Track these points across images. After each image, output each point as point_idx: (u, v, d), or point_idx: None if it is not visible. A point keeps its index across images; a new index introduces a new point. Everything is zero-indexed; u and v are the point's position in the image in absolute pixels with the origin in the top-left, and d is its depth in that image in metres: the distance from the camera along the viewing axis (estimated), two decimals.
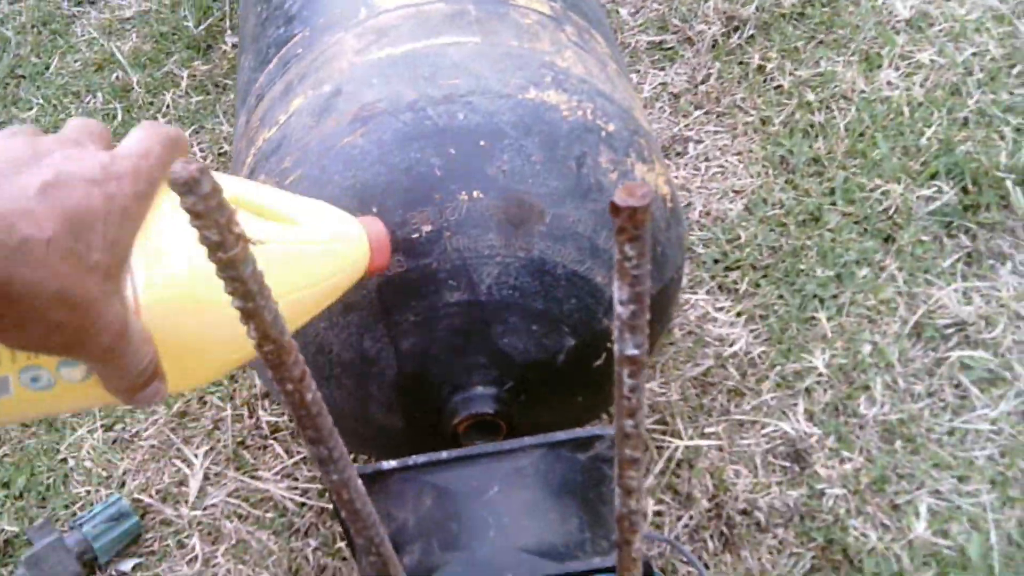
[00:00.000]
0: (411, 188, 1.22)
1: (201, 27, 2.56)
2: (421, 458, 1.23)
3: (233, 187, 0.90)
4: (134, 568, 1.55)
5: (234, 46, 2.52)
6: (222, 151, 2.23)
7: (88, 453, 1.69)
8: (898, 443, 1.59)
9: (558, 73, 1.36)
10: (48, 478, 1.67)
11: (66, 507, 1.64)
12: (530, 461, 1.23)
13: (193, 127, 2.30)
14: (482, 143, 1.25)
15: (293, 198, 0.98)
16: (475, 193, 1.23)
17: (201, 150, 2.24)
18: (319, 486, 1.61)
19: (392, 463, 1.23)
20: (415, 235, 1.22)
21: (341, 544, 1.54)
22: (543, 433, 1.26)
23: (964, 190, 1.91)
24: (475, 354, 1.28)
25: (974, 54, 2.17)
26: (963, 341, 1.72)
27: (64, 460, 1.69)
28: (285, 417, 1.70)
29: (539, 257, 1.24)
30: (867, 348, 1.71)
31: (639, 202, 0.64)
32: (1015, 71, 2.13)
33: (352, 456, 1.59)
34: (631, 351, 0.83)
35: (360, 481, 0.91)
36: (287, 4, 1.57)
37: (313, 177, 1.26)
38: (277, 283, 0.82)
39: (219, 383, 1.76)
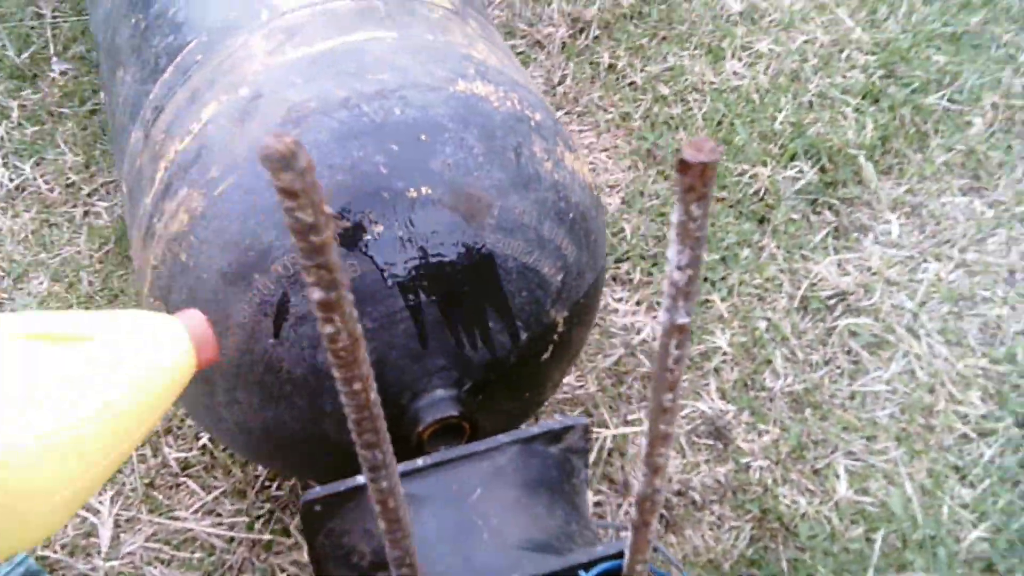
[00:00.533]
0: (357, 188, 1.18)
1: (24, 55, 2.39)
2: (399, 468, 1.19)
3: (16, 323, 0.88)
4: None
5: (63, 73, 2.37)
6: (69, 182, 2.09)
7: None
8: (807, 411, 1.67)
9: (478, 65, 1.35)
10: None
11: None
12: (507, 459, 1.21)
13: (33, 159, 2.14)
14: (423, 137, 1.23)
15: (92, 315, 0.96)
16: (424, 189, 1.20)
17: (46, 182, 2.09)
18: (246, 519, 1.53)
19: (363, 477, 1.19)
20: (367, 236, 1.18)
21: (284, 575, 1.46)
22: (495, 433, 1.25)
23: (822, 169, 2.03)
24: (435, 356, 1.25)
25: (806, 42, 2.31)
26: (847, 310, 1.82)
27: None
28: (194, 452, 1.61)
29: (491, 252, 1.23)
30: (763, 324, 1.78)
31: (709, 157, 0.65)
32: (844, 55, 2.28)
33: (299, 483, 1.51)
34: (682, 319, 0.83)
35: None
36: (171, 11, 1.49)
37: (247, 185, 1.20)
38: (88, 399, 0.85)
39: None
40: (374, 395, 0.75)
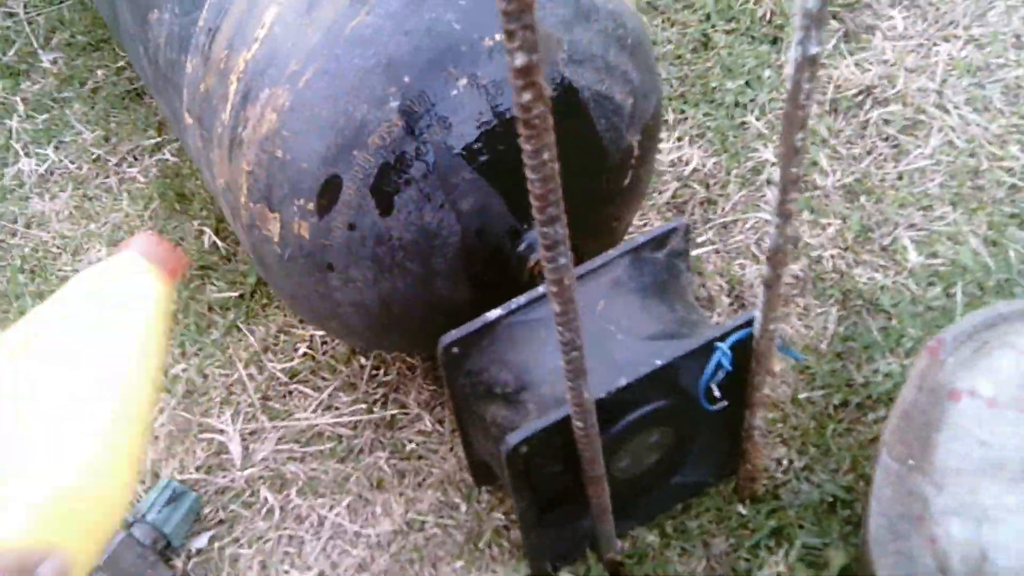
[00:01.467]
0: (436, 48, 1.23)
1: (10, 54, 2.42)
2: (522, 299, 1.25)
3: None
4: (210, 541, 1.48)
5: (53, 62, 2.39)
6: (95, 157, 2.12)
7: None
8: (862, 198, 1.73)
9: None
10: None
11: None
12: (621, 270, 1.27)
13: (52, 143, 2.17)
14: None
15: (49, 307, 0.89)
16: (497, 36, 1.25)
17: (72, 161, 2.12)
18: (363, 405, 1.59)
19: (496, 311, 1.25)
20: (453, 93, 1.23)
21: (413, 445, 1.53)
22: (590, 259, 1.31)
23: None
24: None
25: None
26: (875, 103, 1.88)
27: None
28: (296, 361, 1.67)
29: (571, 83, 1.28)
30: None
31: None
32: None
33: (415, 355, 1.53)
34: (814, 49, 0.89)
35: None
36: None
37: (331, 70, 1.23)
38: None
39: (211, 352, 1.70)
40: (558, 166, 0.80)
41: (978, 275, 1.59)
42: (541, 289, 1.26)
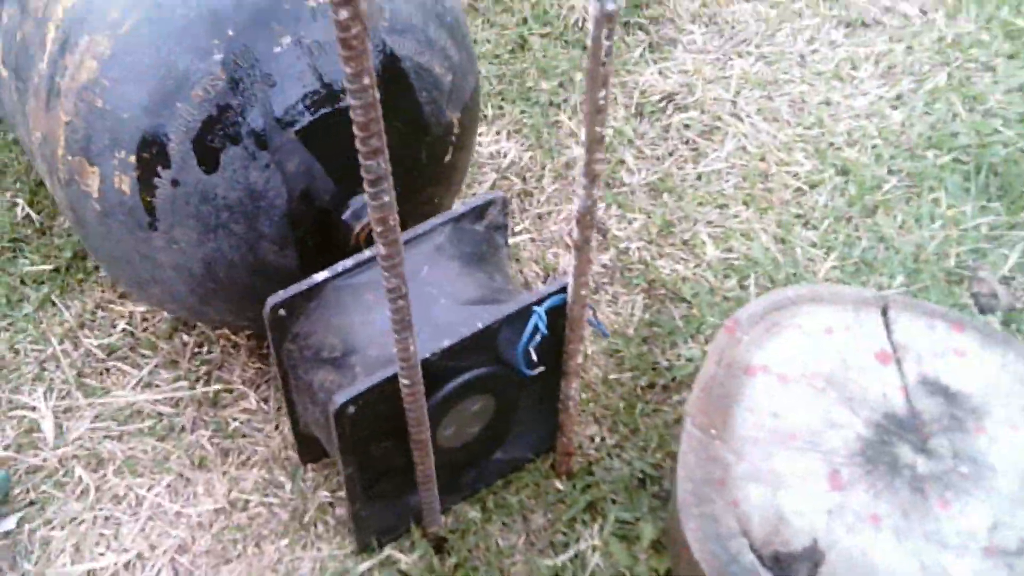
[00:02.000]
0: (260, 4, 1.24)
1: None
2: (348, 262, 1.29)
3: None
4: (19, 523, 1.44)
5: None
6: None
7: None
8: (665, 196, 1.86)
9: None
10: None
11: None
12: (443, 238, 1.34)
13: None
14: None
15: None
16: None
17: None
18: (185, 383, 1.58)
19: (323, 273, 1.29)
20: (276, 50, 1.25)
21: (237, 423, 1.53)
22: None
23: None
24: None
25: None
26: (676, 108, 2.02)
27: None
28: (115, 337, 1.64)
29: (392, 52, 1.33)
30: (609, 132, 1.96)
31: None
32: None
33: (235, 328, 1.52)
34: (610, 6, 0.96)
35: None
36: None
37: (153, 19, 1.24)
38: None
39: (23, 327, 1.64)
40: (378, 95, 0.84)
41: (768, 268, 1.74)
42: (368, 253, 1.30)
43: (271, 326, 1.28)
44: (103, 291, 1.70)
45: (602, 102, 1.02)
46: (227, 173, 1.27)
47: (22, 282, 1.71)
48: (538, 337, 1.24)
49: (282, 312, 1.28)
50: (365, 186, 0.90)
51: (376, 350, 1.26)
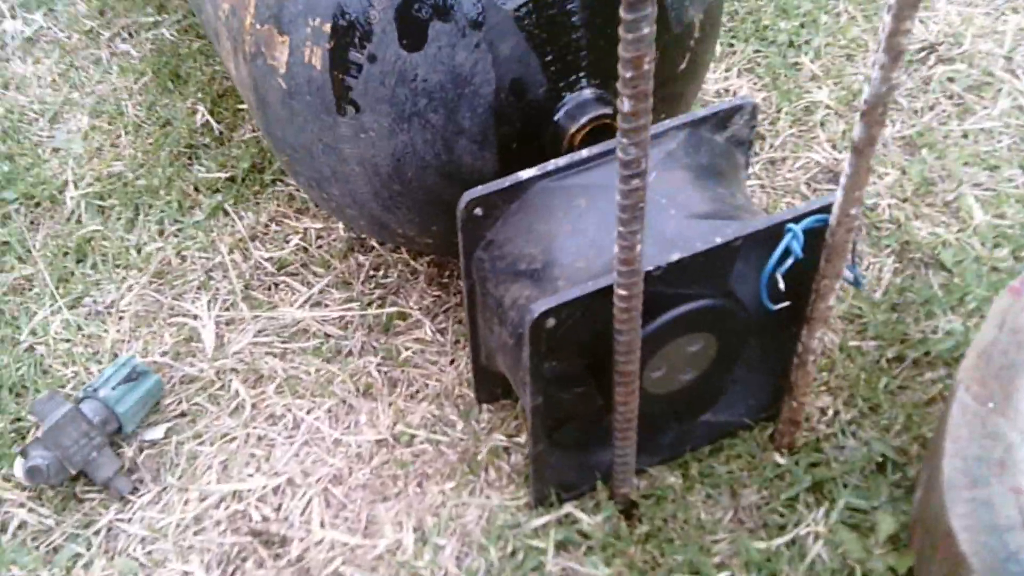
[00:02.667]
0: None
1: None
2: (561, 161, 1.09)
3: None
4: (167, 434, 1.30)
5: None
6: (87, 28, 1.94)
7: (59, 334, 1.41)
8: (924, 152, 1.58)
9: None
10: (17, 371, 1.37)
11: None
12: (677, 144, 1.11)
13: (42, 9, 1.99)
14: None
15: None
16: None
17: (61, 30, 1.94)
18: (359, 304, 1.41)
19: (530, 171, 1.08)
20: None
21: (409, 353, 1.35)
22: None
23: None
24: (581, 50, 1.13)
25: None
26: (939, 60, 1.73)
27: (31, 348, 1.40)
28: (287, 251, 1.49)
29: None
30: (858, 79, 1.69)
31: None
32: None
33: (416, 249, 1.35)
34: None
35: None
36: None
37: None
38: None
39: (192, 235, 1.52)
40: None
41: None
42: (584, 153, 1.09)
43: (463, 228, 1.09)
44: (279, 205, 1.55)
45: None
46: (431, 51, 1.09)
47: (196, 189, 1.58)
48: (790, 261, 1.00)
49: (478, 212, 1.08)
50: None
51: (584, 263, 1.05)
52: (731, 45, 1.77)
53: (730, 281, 1.08)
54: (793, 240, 0.99)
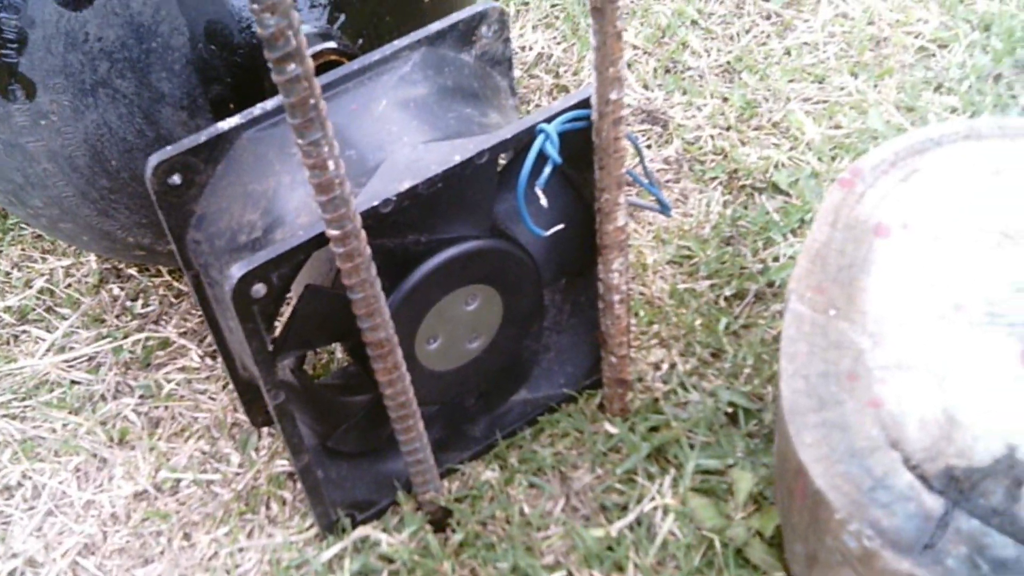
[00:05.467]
0: None
1: None
2: (269, 104, 0.88)
3: None
4: None
5: None
6: None
7: None
8: (744, 75, 1.42)
9: None
10: None
11: None
12: (411, 66, 0.91)
13: None
14: None
15: None
16: None
17: None
18: (109, 340, 1.18)
19: (231, 120, 0.87)
20: None
21: (173, 385, 1.13)
22: None
23: None
24: None
25: None
26: None
27: None
28: (28, 296, 1.26)
29: None
30: (665, 14, 1.53)
31: None
32: None
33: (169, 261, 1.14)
34: None
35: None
36: None
37: None
38: None
39: None
40: None
41: (892, 140, 1.27)
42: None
43: (161, 202, 0.87)
44: (23, 248, 1.32)
45: None
46: (100, 2, 0.89)
47: None
48: (548, 169, 0.81)
49: (175, 180, 0.87)
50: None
51: (309, 218, 0.84)
52: (525, 3, 1.60)
53: (497, 217, 0.89)
54: (547, 143, 0.80)
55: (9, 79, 0.93)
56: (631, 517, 0.93)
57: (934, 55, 1.40)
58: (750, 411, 1.01)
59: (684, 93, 1.40)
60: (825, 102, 1.35)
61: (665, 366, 1.06)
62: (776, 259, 1.16)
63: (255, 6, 0.57)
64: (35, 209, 1.05)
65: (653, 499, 0.95)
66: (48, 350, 1.19)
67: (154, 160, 0.84)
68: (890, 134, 1.27)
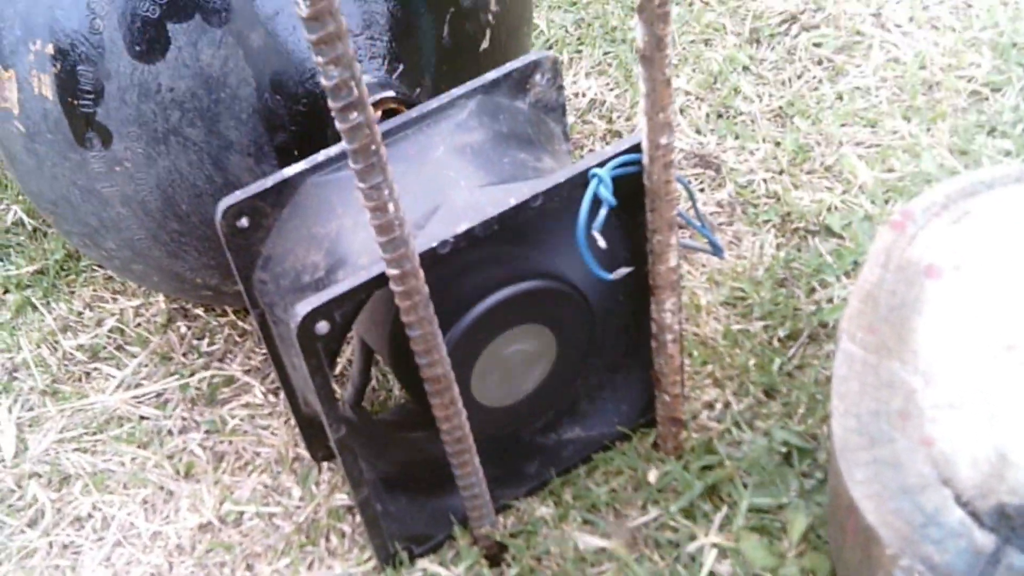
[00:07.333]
0: None
1: None
2: (332, 150, 0.92)
3: None
4: None
5: None
6: None
7: None
8: (796, 120, 1.44)
9: None
10: None
11: None
12: (467, 113, 0.95)
13: None
14: None
15: None
16: None
17: None
18: (176, 378, 1.23)
19: (296, 166, 0.91)
20: None
21: (237, 421, 1.16)
22: None
23: None
24: (363, 33, 0.98)
25: None
26: (803, 28, 1.60)
27: None
28: (99, 336, 1.30)
29: None
30: (717, 60, 1.55)
31: None
32: None
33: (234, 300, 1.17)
34: None
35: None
36: None
37: None
38: None
39: None
40: None
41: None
42: None
43: (230, 244, 0.91)
44: (95, 289, 1.38)
45: None
46: (171, 55, 0.94)
47: (5, 290, 1.40)
48: (604, 212, 0.83)
49: (243, 223, 0.91)
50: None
51: (369, 259, 0.88)
52: (579, 51, 1.63)
53: (549, 257, 0.91)
54: (600, 186, 0.83)
55: (86, 128, 0.97)
56: (684, 554, 0.94)
57: (987, 99, 1.41)
58: (804, 450, 1.02)
59: (736, 138, 1.42)
60: (878, 146, 1.37)
61: (719, 405, 1.08)
62: (830, 300, 1.17)
63: (320, 59, 0.60)
64: (108, 251, 1.09)
65: (706, 537, 0.96)
66: (118, 387, 1.23)
67: (224, 204, 0.88)
68: (943, 177, 1.28)
